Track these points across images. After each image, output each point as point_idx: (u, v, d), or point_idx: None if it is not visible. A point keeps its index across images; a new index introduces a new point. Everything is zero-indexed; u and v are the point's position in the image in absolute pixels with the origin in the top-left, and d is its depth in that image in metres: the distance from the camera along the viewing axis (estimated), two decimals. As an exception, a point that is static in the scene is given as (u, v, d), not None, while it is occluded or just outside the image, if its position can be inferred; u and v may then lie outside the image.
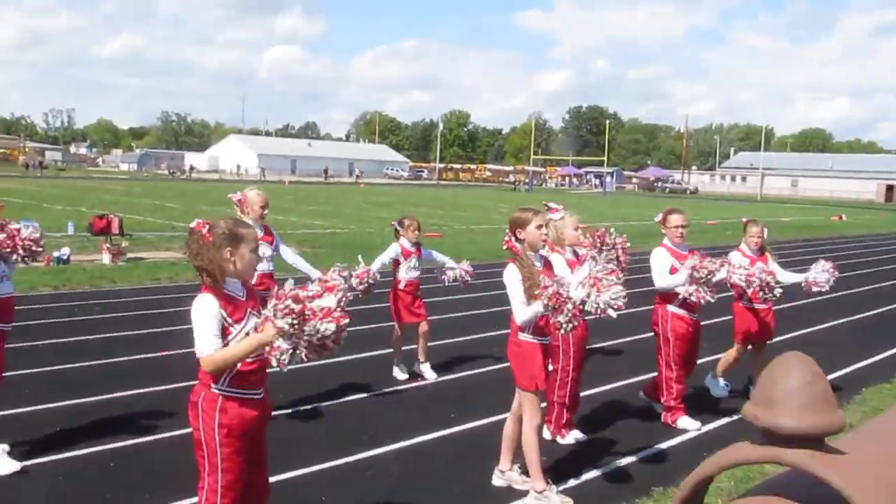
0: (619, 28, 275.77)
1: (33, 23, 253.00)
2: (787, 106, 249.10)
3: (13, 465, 5.96)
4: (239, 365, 3.91)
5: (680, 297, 7.41)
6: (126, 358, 9.47)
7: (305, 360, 3.67)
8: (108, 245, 18.30)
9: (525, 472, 5.95)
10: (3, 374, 6.16)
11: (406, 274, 8.93)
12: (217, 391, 3.97)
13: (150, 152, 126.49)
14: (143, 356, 9.59)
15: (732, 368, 8.86)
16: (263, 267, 7.33)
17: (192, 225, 4.04)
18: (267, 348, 3.65)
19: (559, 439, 7.07)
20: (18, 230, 6.01)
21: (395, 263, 8.98)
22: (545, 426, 6.93)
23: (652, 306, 7.82)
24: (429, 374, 9.03)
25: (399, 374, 9.00)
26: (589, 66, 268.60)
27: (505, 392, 8.44)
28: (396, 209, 42.05)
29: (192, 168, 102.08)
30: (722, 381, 8.85)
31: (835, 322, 13.69)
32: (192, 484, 5.69)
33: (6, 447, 6.08)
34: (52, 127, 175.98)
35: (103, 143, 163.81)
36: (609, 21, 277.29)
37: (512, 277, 5.62)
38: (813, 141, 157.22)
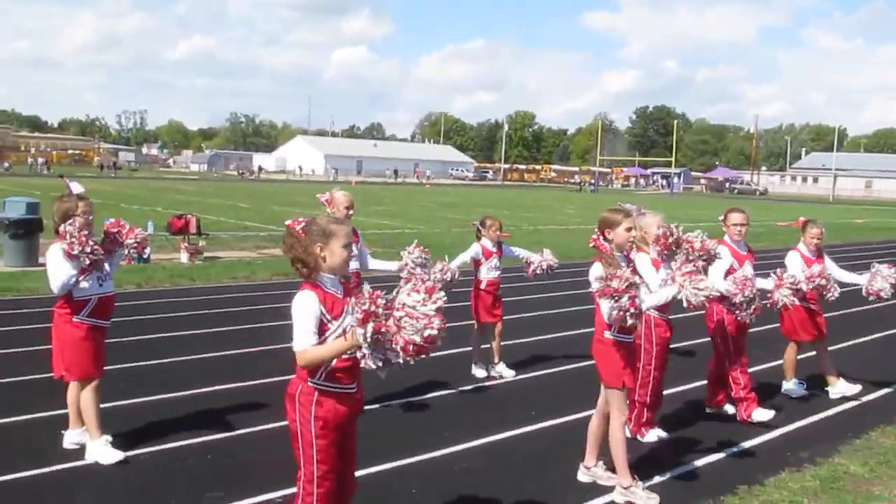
0: (689, 28, 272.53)
1: (107, 25, 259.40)
2: (860, 107, 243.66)
3: (117, 455, 6.20)
4: (334, 361, 4.06)
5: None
6: (211, 354, 9.74)
7: (402, 363, 3.76)
8: (185, 244, 18.76)
9: (610, 468, 6.01)
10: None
11: (487, 274, 9.03)
12: (313, 385, 4.12)
13: (219, 153, 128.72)
14: (225, 353, 9.86)
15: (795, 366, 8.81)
16: (352, 265, 7.47)
17: (287, 222, 4.22)
18: (358, 354, 3.77)
19: (639, 437, 7.08)
20: (132, 228, 6.49)
21: (477, 263, 9.07)
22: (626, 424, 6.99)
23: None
24: (506, 372, 9.12)
25: (478, 372, 9.10)
26: (657, 66, 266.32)
27: (583, 390, 8.51)
28: (462, 210, 42.23)
29: (260, 168, 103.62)
30: (794, 382, 8.81)
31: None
32: (283, 476, 5.91)
33: (109, 438, 6.33)
34: (125, 128, 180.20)
35: (174, 143, 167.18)
36: (678, 21, 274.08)
37: (597, 275, 5.68)
38: (887, 141, 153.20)
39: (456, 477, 6.24)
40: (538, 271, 9.08)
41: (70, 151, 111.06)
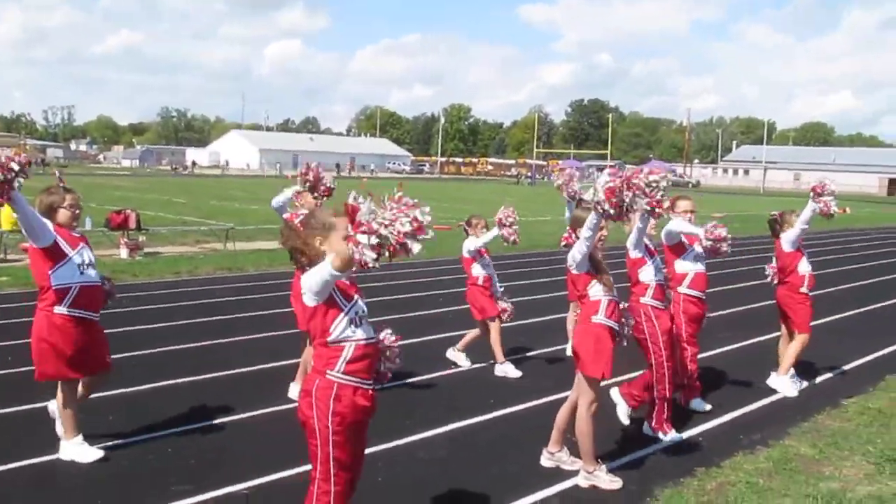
0: (624, 22, 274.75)
1: (33, 20, 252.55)
2: (790, 100, 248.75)
3: (95, 453, 6.12)
4: (353, 348, 4.07)
5: (688, 280, 7.69)
6: (161, 349, 9.65)
7: (387, 252, 3.91)
8: (125, 240, 18.46)
9: (574, 454, 6.10)
10: None
11: (483, 270, 9.02)
12: (332, 378, 4.07)
13: (151, 148, 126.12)
14: (177, 347, 9.79)
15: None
16: None
17: (286, 216, 4.23)
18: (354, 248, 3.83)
19: (661, 435, 6.98)
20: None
21: (470, 261, 9.08)
22: (645, 423, 7.09)
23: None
24: (464, 361, 9.19)
25: (511, 371, 8.99)
26: (593, 59, 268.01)
27: (539, 378, 8.64)
28: (403, 203, 42.15)
29: (194, 164, 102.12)
30: (789, 375, 8.70)
31: (852, 311, 13.86)
32: (249, 468, 5.92)
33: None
34: (52, 124, 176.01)
35: (103, 139, 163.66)
36: (613, 14, 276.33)
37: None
38: (814, 135, 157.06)
39: (420, 464, 6.30)
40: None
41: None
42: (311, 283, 3.99)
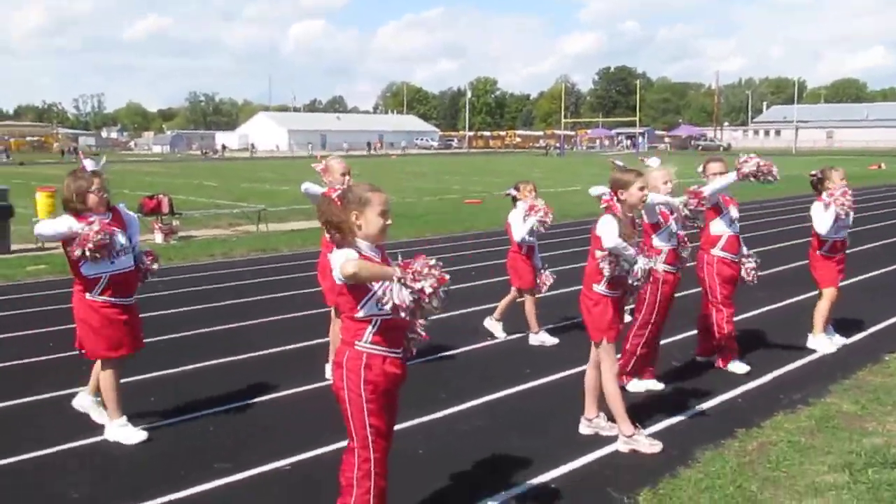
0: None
1: (59, 7, 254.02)
2: (818, 58, 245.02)
3: (140, 435, 6.21)
4: (381, 320, 4.09)
5: (722, 242, 7.71)
6: (201, 331, 9.76)
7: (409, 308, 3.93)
8: (159, 225, 18.64)
9: (611, 419, 6.09)
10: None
11: (524, 239, 8.91)
12: (361, 348, 4.12)
13: (181, 133, 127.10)
14: (216, 328, 9.90)
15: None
16: None
17: (323, 191, 4.25)
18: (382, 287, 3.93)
19: (626, 384, 7.13)
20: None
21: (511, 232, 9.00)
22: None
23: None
24: (500, 332, 9.20)
25: (548, 339, 9.02)
26: (617, 27, 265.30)
27: (572, 347, 8.62)
28: (432, 179, 42.22)
29: (224, 147, 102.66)
30: (824, 335, 8.61)
31: (886, 269, 13.67)
32: (287, 445, 5.96)
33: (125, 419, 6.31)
34: (83, 112, 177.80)
35: (134, 126, 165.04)
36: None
37: (609, 224, 5.74)
38: (846, 91, 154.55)
39: (459, 436, 6.32)
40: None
41: (28, 139, 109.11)
42: (335, 267, 4.03)
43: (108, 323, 6.04)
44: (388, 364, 4.17)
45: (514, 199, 9.03)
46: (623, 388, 6.94)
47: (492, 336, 9.20)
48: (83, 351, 6.25)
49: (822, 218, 8.28)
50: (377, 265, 4.01)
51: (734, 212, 7.70)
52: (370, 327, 4.12)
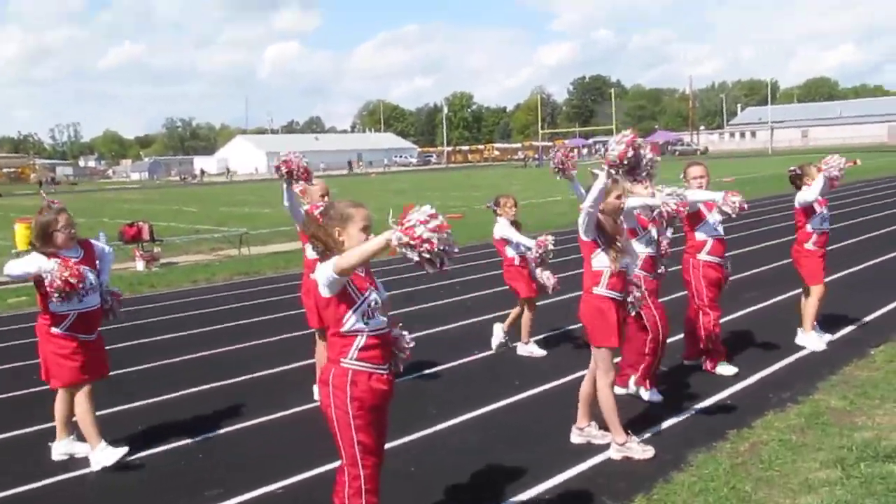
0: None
1: (34, 39, 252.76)
2: (790, 58, 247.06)
3: (119, 451, 6.16)
4: (367, 337, 4.10)
5: (708, 247, 7.75)
6: (187, 357, 9.68)
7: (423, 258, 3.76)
8: (140, 252, 18.54)
9: (602, 427, 6.09)
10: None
11: (517, 250, 8.94)
12: (347, 365, 4.13)
13: (159, 160, 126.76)
14: (202, 354, 9.82)
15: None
16: None
17: (307, 208, 4.26)
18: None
19: (642, 391, 7.15)
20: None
21: (505, 243, 9.00)
22: (632, 376, 7.16)
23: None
24: (538, 351, 9.09)
25: (536, 350, 9.02)
26: (591, 36, 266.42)
27: (560, 358, 8.63)
28: (413, 195, 42.16)
29: (202, 172, 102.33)
30: (815, 331, 8.73)
31: (870, 262, 13.80)
32: (279, 469, 5.93)
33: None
34: (59, 142, 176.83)
35: (111, 154, 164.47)
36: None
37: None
38: (819, 90, 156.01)
39: (451, 452, 6.29)
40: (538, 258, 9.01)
41: (5, 170, 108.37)
42: (321, 278, 4.05)
43: (73, 352, 6.11)
44: (374, 380, 4.17)
45: (496, 213, 9.04)
46: (637, 396, 7.07)
47: (531, 356, 9.03)
48: (49, 382, 6.26)
49: (809, 190, 8.33)
50: (369, 244, 3.93)
51: (717, 216, 7.74)
52: (355, 343, 4.12)
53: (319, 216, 4.26)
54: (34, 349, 9.30)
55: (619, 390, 7.28)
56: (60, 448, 6.45)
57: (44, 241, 6.02)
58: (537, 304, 9.24)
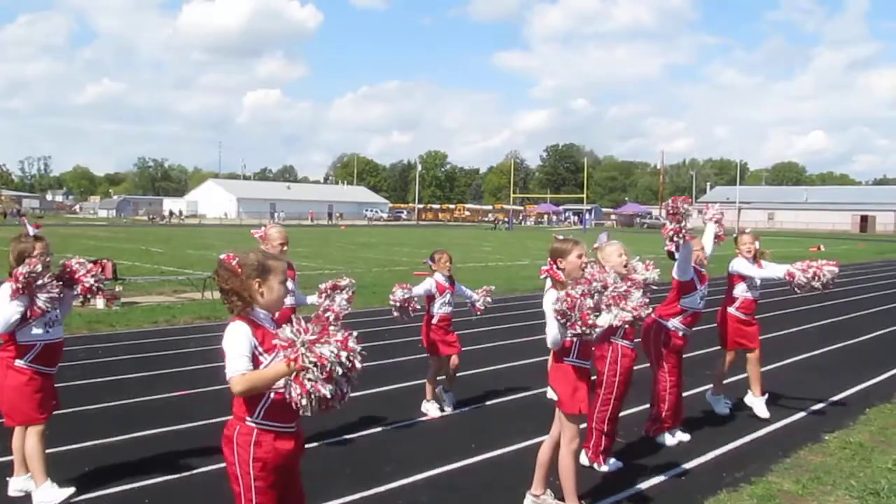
0: (598, 67, 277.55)
1: (12, 71, 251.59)
2: (762, 141, 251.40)
3: (66, 491, 6.07)
4: (273, 395, 3.98)
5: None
6: (136, 399, 9.51)
7: (329, 398, 3.71)
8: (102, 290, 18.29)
9: (558, 496, 6.06)
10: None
11: (440, 309, 9.01)
12: (252, 424, 4.03)
13: (128, 198, 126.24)
14: (156, 397, 9.67)
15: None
16: (287, 301, 7.41)
17: (222, 256, 4.11)
18: (294, 387, 3.72)
19: (596, 466, 7.14)
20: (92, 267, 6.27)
21: (429, 298, 9.05)
22: (583, 451, 7.12)
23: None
24: (449, 404, 9.14)
25: (432, 410, 9.02)
26: (568, 104, 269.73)
27: (521, 421, 8.60)
28: (381, 249, 42.22)
29: (171, 213, 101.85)
30: (723, 398, 9.12)
31: (831, 347, 13.93)
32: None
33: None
34: (28, 175, 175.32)
35: (80, 190, 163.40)
36: (588, 60, 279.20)
37: (552, 300, 5.76)
38: (786, 174, 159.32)
39: (403, 511, 6.22)
40: (485, 306, 9.26)
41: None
42: (228, 355, 4.00)
43: (37, 388, 6.04)
44: (280, 441, 4.06)
45: (430, 268, 9.11)
46: (591, 467, 7.07)
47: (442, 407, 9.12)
48: (5, 420, 6.14)
49: (741, 261, 8.94)
50: (267, 368, 3.90)
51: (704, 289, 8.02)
52: (261, 402, 4.02)
53: (237, 266, 4.10)
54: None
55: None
56: (18, 484, 6.32)
57: (19, 265, 5.97)
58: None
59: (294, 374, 3.72)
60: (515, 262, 33.29)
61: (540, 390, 9.70)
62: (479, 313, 9.46)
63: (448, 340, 9.04)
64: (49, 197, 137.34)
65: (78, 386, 9.95)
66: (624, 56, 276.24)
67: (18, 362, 6.00)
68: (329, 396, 3.69)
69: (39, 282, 5.89)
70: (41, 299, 5.91)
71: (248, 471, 4.00)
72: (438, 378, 9.17)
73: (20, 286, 5.82)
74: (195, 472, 6.99)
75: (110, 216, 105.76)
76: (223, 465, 7.02)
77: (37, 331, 6.02)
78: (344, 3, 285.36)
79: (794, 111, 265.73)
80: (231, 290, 4.09)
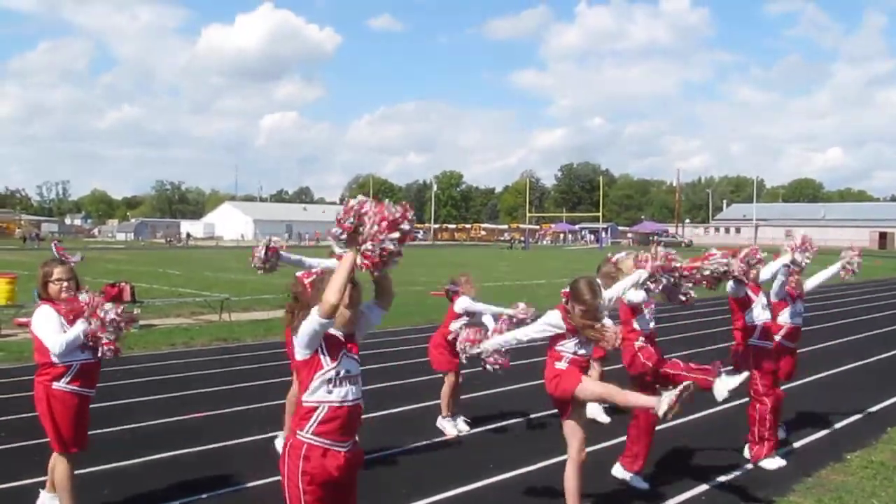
0: (615, 85, 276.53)
1: (32, 97, 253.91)
2: (778, 157, 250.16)
3: None
4: (325, 412, 4.11)
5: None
6: (155, 422, 9.52)
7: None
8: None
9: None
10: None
11: (457, 326, 8.87)
12: (302, 438, 4.14)
13: (146, 221, 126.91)
14: (178, 418, 9.70)
15: None
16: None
17: (298, 274, 4.30)
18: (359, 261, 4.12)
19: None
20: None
21: (452, 317, 9.02)
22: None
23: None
24: (454, 429, 9.10)
25: (449, 429, 9.01)
26: (584, 123, 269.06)
27: (542, 441, 8.57)
28: (398, 270, 42.12)
29: (188, 235, 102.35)
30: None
31: (851, 365, 13.83)
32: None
33: None
34: (47, 199, 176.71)
35: (98, 213, 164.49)
36: (604, 78, 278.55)
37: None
38: (804, 191, 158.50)
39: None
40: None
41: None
42: (301, 334, 4.10)
43: (74, 414, 5.92)
44: (328, 457, 4.15)
45: (457, 293, 9.05)
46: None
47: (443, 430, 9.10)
48: (60, 447, 5.98)
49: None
50: (338, 270, 4.14)
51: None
52: (315, 415, 4.14)
53: (310, 285, 4.29)
54: (3, 406, 9.20)
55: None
56: (45, 500, 6.34)
57: (43, 289, 6.04)
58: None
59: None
60: (533, 281, 33.25)
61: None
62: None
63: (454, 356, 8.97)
64: (68, 221, 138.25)
65: (96, 409, 9.97)
66: (640, 74, 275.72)
67: (55, 385, 5.86)
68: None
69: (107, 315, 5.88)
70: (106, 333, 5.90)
71: (297, 483, 4.13)
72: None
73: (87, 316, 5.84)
74: (214, 493, 7.00)
75: (128, 239, 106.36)
76: (243, 486, 7.12)
77: (72, 351, 5.87)
78: (361, 24, 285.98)
79: (811, 128, 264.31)
80: (297, 294, 4.54)
